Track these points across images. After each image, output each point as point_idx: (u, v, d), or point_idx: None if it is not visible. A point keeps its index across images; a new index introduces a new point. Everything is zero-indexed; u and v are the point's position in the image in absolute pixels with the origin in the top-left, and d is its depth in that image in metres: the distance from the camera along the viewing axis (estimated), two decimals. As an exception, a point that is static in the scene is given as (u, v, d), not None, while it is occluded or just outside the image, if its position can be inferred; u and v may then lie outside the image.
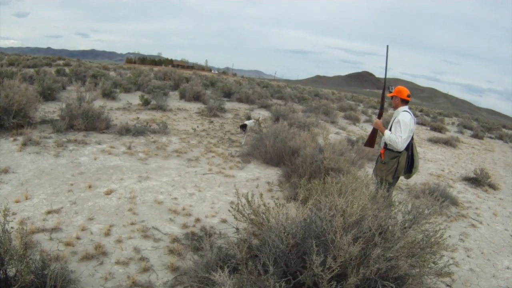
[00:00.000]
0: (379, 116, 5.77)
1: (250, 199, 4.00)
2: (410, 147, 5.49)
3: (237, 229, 4.38)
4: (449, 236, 5.79)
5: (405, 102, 5.53)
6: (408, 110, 5.48)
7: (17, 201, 5.31)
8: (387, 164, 5.45)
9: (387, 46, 5.66)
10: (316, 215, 3.62)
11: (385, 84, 5.80)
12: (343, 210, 3.48)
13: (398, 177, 5.67)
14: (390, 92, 5.66)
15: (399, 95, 5.51)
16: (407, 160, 5.48)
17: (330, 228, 3.32)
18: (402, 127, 5.21)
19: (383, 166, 5.49)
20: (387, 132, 5.42)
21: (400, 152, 5.39)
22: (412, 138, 5.51)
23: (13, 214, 4.85)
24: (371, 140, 5.94)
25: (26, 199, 5.45)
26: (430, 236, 3.58)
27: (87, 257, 4.14)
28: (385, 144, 5.51)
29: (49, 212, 5.11)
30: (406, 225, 3.72)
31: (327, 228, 3.35)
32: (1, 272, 3.13)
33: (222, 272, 3.06)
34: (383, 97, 5.74)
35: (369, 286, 3.24)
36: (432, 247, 3.52)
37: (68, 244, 4.36)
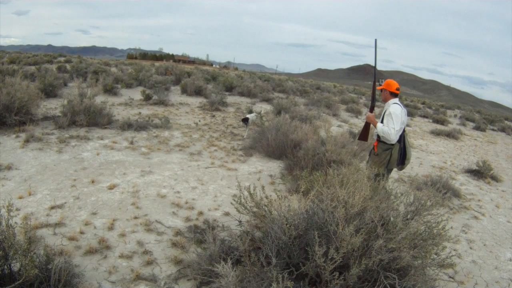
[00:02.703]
0: (371, 109, 5.80)
1: (252, 191, 4.01)
2: (402, 139, 5.52)
3: (240, 221, 4.39)
4: (451, 228, 5.80)
5: (394, 95, 5.57)
6: (398, 102, 5.51)
7: (20, 197, 5.34)
8: (379, 156, 5.47)
9: (375, 39, 5.76)
10: (318, 207, 3.63)
11: (375, 77, 5.82)
12: (345, 202, 3.48)
13: (391, 169, 5.68)
14: (380, 85, 5.69)
15: (388, 88, 5.56)
16: (399, 152, 5.51)
17: (332, 219, 3.33)
18: (394, 119, 5.25)
19: (376, 158, 5.52)
20: (379, 124, 5.45)
21: (392, 144, 5.43)
22: (404, 130, 5.53)
23: (17, 210, 4.87)
24: (365, 133, 5.98)
25: (30, 195, 5.47)
26: (432, 227, 3.58)
27: (90, 251, 4.16)
28: (378, 136, 5.54)
29: (52, 208, 5.14)
30: (408, 216, 3.72)
31: (329, 219, 3.36)
32: (6, 267, 3.15)
33: (225, 264, 3.07)
34: (373, 90, 5.77)
35: (371, 277, 3.24)
36: (434, 238, 3.52)
37: (71, 238, 4.38)
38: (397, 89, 5.56)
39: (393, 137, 5.27)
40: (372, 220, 3.42)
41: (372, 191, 3.81)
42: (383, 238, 3.24)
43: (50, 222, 4.73)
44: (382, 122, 5.47)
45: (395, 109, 5.31)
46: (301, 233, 3.43)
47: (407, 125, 19.10)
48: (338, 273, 2.99)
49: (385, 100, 5.64)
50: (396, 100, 5.54)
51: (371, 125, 5.80)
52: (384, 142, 5.47)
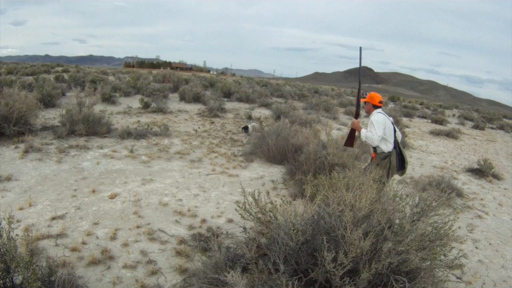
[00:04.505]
0: (356, 116, 5.95)
1: (256, 197, 3.96)
2: (396, 145, 5.67)
3: (245, 228, 4.34)
4: (459, 227, 5.78)
5: (376, 107, 5.77)
6: (382, 112, 5.71)
7: (21, 208, 5.28)
8: (380, 165, 5.58)
9: (360, 47, 5.90)
10: (325, 211, 3.59)
11: (359, 84, 6.00)
12: (352, 205, 3.44)
13: (392, 176, 5.73)
14: (364, 98, 5.92)
15: (371, 101, 5.79)
16: (397, 158, 5.64)
17: (339, 223, 3.29)
18: (375, 125, 5.44)
19: (377, 167, 5.57)
20: (363, 130, 5.63)
21: (389, 152, 5.58)
22: (395, 136, 5.68)
23: (18, 221, 4.81)
24: (350, 139, 6.12)
25: (30, 206, 5.42)
26: (439, 228, 3.54)
27: (94, 262, 4.11)
28: (374, 148, 5.69)
29: (53, 218, 5.08)
30: (414, 218, 3.69)
31: (337, 223, 3.32)
32: (8, 280, 3.09)
33: (235, 273, 3.02)
34: (358, 97, 5.96)
35: (381, 281, 3.20)
36: (442, 239, 3.49)
37: (74, 249, 4.32)
38: (380, 102, 5.78)
39: (376, 142, 5.44)
40: (380, 223, 3.38)
41: (377, 193, 3.78)
42: (392, 240, 3.20)
43: (52, 233, 4.68)
44: None
45: (377, 117, 5.53)
46: (309, 238, 3.39)
47: (406, 126, 19.07)
48: (348, 278, 2.94)
49: (368, 112, 5.86)
50: (379, 110, 5.75)
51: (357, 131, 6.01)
52: (382, 151, 5.61)
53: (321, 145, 7.73)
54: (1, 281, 3.06)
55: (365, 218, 3.43)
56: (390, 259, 3.08)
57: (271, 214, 3.84)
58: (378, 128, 5.39)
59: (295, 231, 3.31)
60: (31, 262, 3.03)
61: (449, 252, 3.54)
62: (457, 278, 4.69)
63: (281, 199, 4.07)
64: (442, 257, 3.51)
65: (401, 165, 5.70)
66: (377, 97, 5.78)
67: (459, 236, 3.72)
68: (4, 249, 3.06)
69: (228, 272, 3.10)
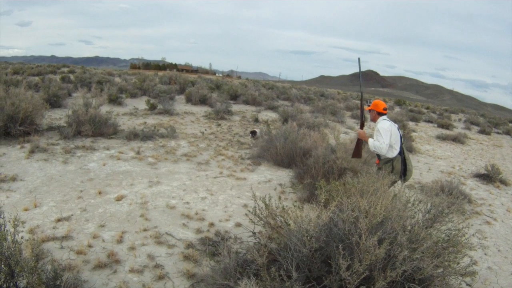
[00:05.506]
0: (361, 126, 5.98)
1: (267, 202, 3.89)
2: (402, 152, 5.65)
3: (254, 233, 4.26)
4: (473, 235, 5.71)
5: (381, 115, 5.78)
6: (387, 119, 5.71)
7: (26, 209, 5.25)
8: (382, 169, 5.51)
9: (358, 58, 6.02)
10: (339, 217, 3.51)
11: (362, 94, 6.06)
12: (366, 211, 3.37)
13: (395, 181, 5.70)
14: (368, 106, 5.94)
15: (376, 109, 5.79)
16: (401, 164, 5.62)
17: (354, 230, 3.21)
18: (382, 133, 5.45)
19: (380, 172, 5.54)
20: (370, 140, 5.64)
21: (393, 158, 5.58)
22: (401, 142, 5.67)
23: (23, 222, 4.76)
24: (357, 150, 6.09)
25: (35, 207, 5.38)
26: (453, 235, 3.47)
27: (100, 266, 4.04)
28: (378, 154, 5.72)
29: (59, 220, 5.03)
30: (427, 224, 3.62)
31: (351, 230, 3.24)
32: (12, 284, 3.03)
33: (248, 280, 2.94)
34: (361, 107, 5.96)
35: (395, 289, 3.13)
36: (455, 246, 3.41)
37: (79, 252, 4.27)
38: (384, 109, 5.78)
39: (384, 151, 5.45)
40: (393, 230, 3.31)
41: (392, 199, 3.71)
42: (407, 248, 3.13)
43: (57, 235, 4.63)
44: None
45: (382, 125, 5.54)
46: (322, 245, 3.31)
47: (413, 131, 18.99)
48: (362, 286, 2.87)
49: (373, 120, 5.88)
50: (384, 117, 5.75)
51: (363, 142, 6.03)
52: (385, 157, 5.62)
53: (330, 149, 7.66)
54: (5, 285, 3.00)
55: (380, 224, 3.36)
56: (404, 267, 3.00)
57: (282, 219, 3.77)
58: (385, 136, 5.39)
59: (308, 238, 3.23)
60: (36, 268, 2.97)
61: (462, 259, 3.48)
62: (467, 285, 4.62)
63: (293, 204, 4.00)
64: (455, 264, 3.44)
65: (403, 172, 5.67)
66: (381, 104, 5.78)
67: (472, 244, 3.65)
68: (9, 253, 3.00)
69: (239, 279, 3.03)
